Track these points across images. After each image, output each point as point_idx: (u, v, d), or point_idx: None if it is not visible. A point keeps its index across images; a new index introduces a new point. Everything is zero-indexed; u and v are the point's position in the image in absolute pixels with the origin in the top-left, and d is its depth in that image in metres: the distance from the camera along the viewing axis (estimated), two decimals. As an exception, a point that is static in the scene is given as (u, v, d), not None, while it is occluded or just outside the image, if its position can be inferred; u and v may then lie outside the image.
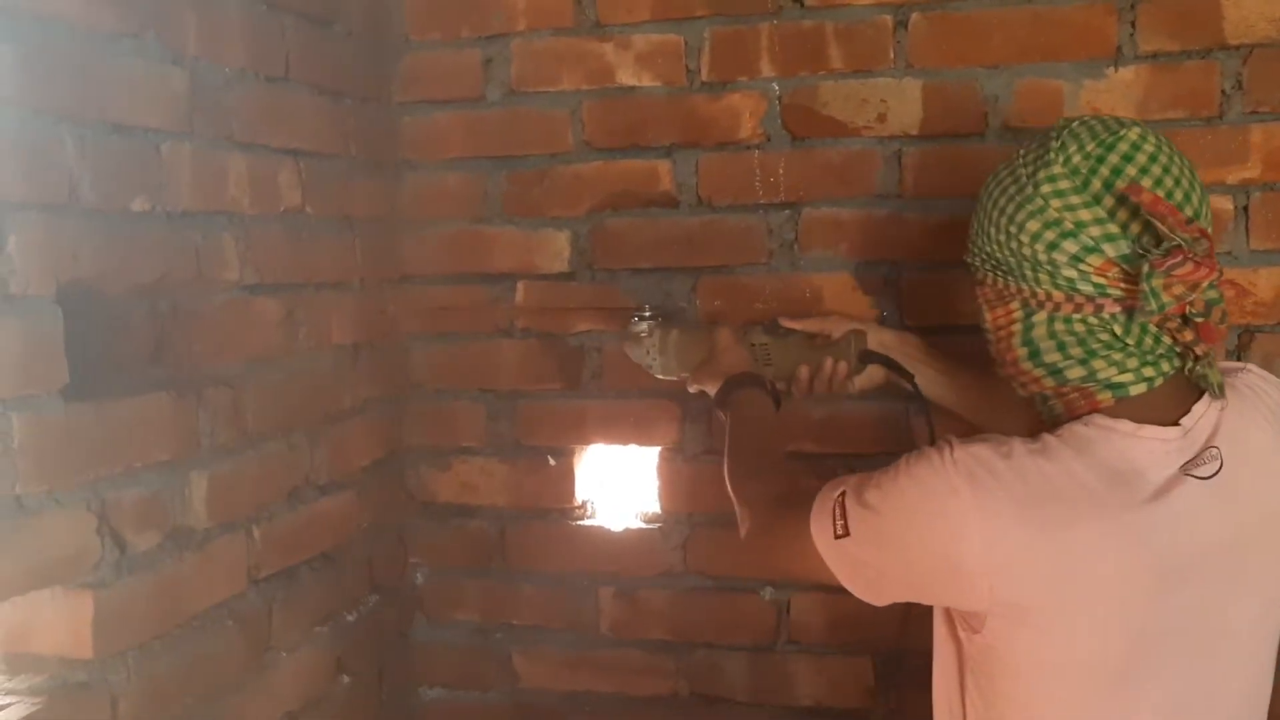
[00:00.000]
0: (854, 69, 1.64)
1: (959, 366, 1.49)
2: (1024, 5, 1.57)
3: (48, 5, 1.08)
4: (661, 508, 1.79)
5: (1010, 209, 1.07)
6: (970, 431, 1.46)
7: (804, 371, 1.49)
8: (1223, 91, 1.53)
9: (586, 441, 1.82)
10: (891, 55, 1.62)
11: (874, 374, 1.51)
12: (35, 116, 1.07)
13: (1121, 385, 1.04)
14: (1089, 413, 1.05)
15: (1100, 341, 1.04)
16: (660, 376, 1.63)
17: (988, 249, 1.10)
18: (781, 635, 1.74)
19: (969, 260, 1.15)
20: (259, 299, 1.44)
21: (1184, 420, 1.04)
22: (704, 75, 1.70)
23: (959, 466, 1.02)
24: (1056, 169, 1.05)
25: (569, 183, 1.76)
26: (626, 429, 1.79)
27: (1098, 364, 1.04)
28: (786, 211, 1.69)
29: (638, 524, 1.80)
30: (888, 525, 1.06)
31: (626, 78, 1.72)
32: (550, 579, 1.83)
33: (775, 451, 1.40)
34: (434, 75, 1.80)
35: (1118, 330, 1.03)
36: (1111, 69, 1.55)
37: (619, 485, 1.85)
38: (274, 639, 1.45)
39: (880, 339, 1.50)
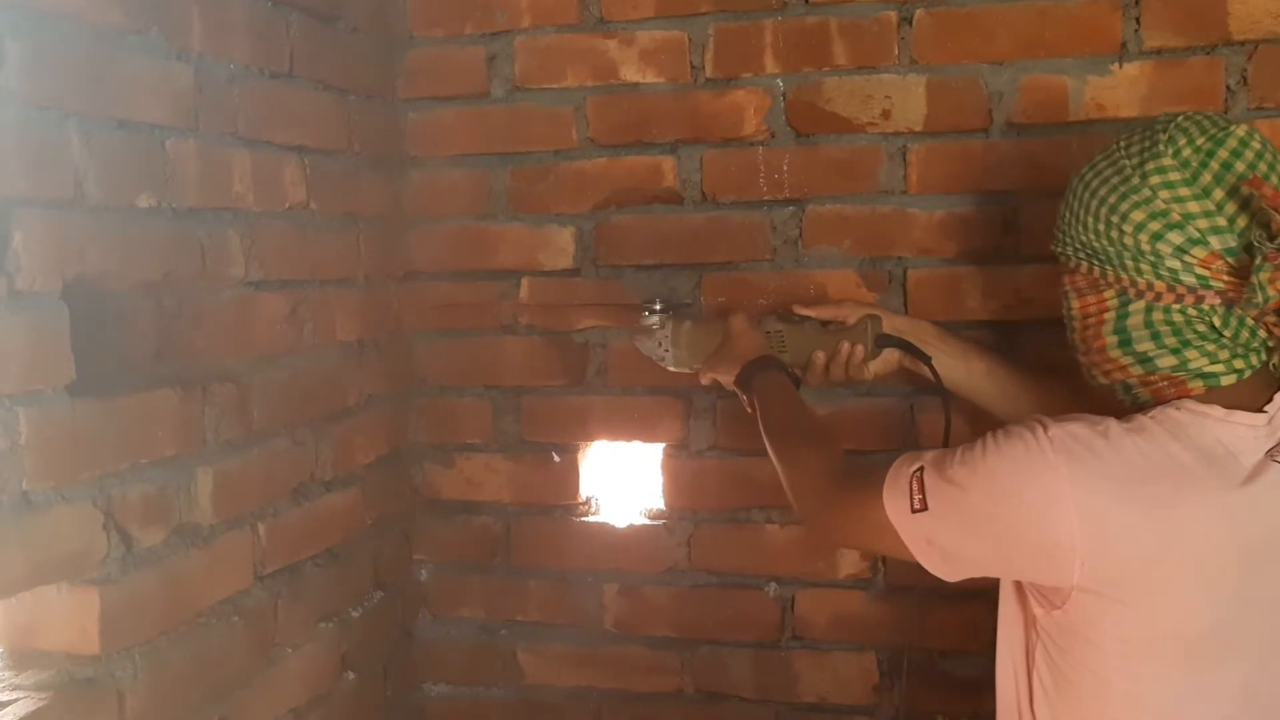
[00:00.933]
0: (858, 65, 1.64)
1: (972, 352, 1.50)
2: (1029, 1, 1.57)
3: (54, 2, 1.08)
4: (666, 504, 1.79)
5: (1113, 199, 1.08)
6: (983, 417, 1.47)
7: (820, 357, 1.50)
8: (1227, 87, 1.52)
9: (591, 438, 1.82)
10: (896, 51, 1.62)
11: (889, 359, 1.52)
12: (41, 112, 1.07)
13: (1213, 375, 1.06)
14: (1177, 399, 1.07)
15: (1196, 332, 1.06)
16: (673, 369, 1.62)
17: (1083, 237, 1.11)
18: (786, 631, 1.74)
19: (1057, 249, 1.16)
20: (264, 295, 1.44)
21: (1267, 408, 1.06)
22: (708, 72, 1.70)
23: (1056, 444, 1.03)
24: (1166, 161, 1.06)
25: (573, 179, 1.76)
26: (631, 425, 1.79)
27: (1190, 354, 1.06)
28: (791, 208, 1.69)
29: (642, 520, 1.80)
30: (976, 501, 1.07)
31: (631, 74, 1.72)
32: (555, 575, 1.83)
33: (816, 422, 1.40)
34: (438, 71, 1.80)
35: (1216, 322, 1.05)
36: (1116, 65, 1.55)
37: (623, 482, 1.85)
38: (279, 635, 1.46)
39: (894, 324, 1.51)
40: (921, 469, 1.11)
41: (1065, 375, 1.43)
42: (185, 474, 1.27)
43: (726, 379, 1.51)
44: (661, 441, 1.78)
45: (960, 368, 1.48)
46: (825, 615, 1.73)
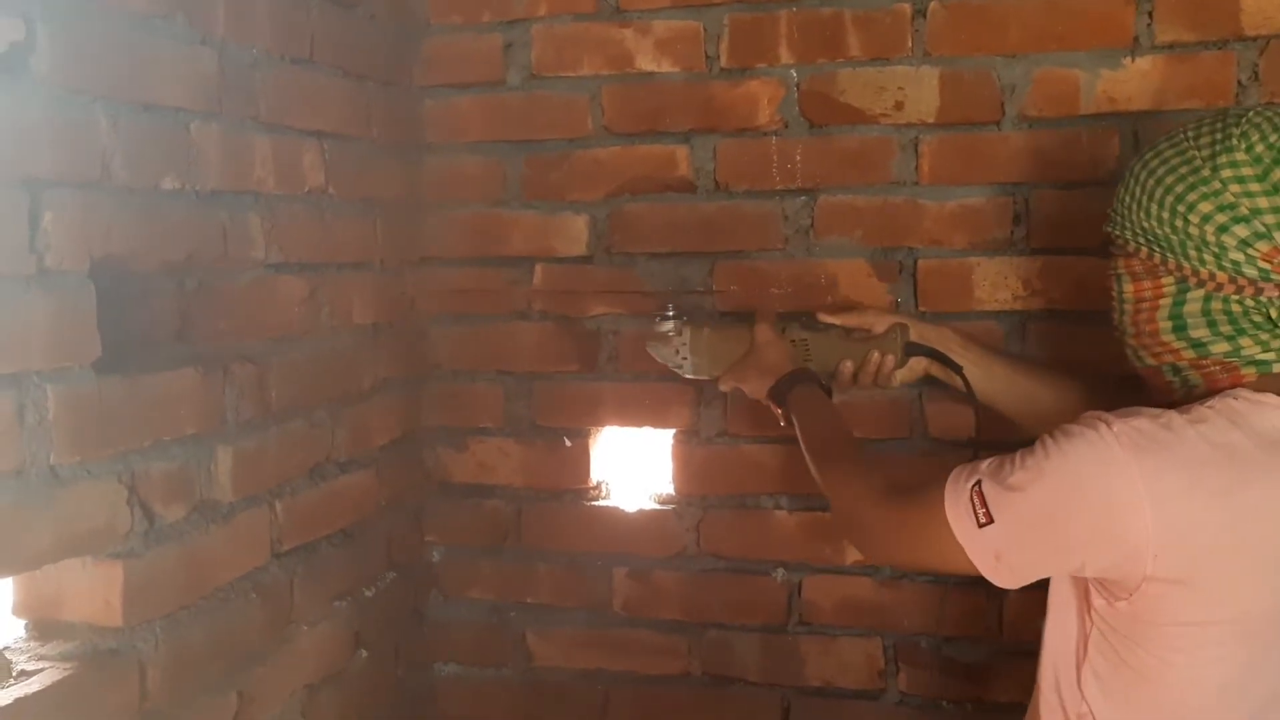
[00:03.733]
0: (872, 57, 1.65)
1: (993, 358, 1.50)
2: (1042, -6, 1.58)
3: (83, -14, 1.11)
4: (675, 489, 1.81)
5: (1180, 189, 1.10)
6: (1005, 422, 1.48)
7: (848, 366, 1.50)
8: (1239, 82, 1.53)
9: (602, 423, 1.84)
10: (909, 43, 1.64)
11: (915, 367, 1.52)
12: (70, 95, 1.09)
13: (1265, 363, 1.08)
14: (1230, 386, 1.09)
15: (1252, 322, 1.08)
16: (689, 377, 1.61)
17: (1145, 224, 1.12)
18: (793, 616, 1.76)
19: (1114, 231, 1.17)
20: (283, 278, 1.46)
21: None
22: (723, 61, 1.71)
23: (1122, 439, 1.04)
24: (1239, 155, 1.07)
25: (588, 167, 1.78)
26: (642, 411, 1.81)
27: (1244, 341, 1.09)
28: (803, 198, 1.70)
29: (652, 505, 1.82)
30: (1042, 504, 1.08)
31: (646, 63, 1.74)
32: (565, 559, 1.85)
33: (856, 441, 1.40)
34: (455, 59, 1.81)
35: (1273, 314, 1.07)
36: (1128, 59, 1.56)
37: (634, 467, 1.87)
38: (295, 612, 1.48)
39: (921, 332, 1.52)
40: (979, 481, 1.11)
41: (1082, 373, 1.45)
42: (206, 452, 1.29)
43: (754, 390, 1.50)
44: (672, 427, 1.80)
45: (981, 375, 1.48)
46: (832, 601, 1.75)
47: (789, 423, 1.45)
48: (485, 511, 1.88)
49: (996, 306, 1.64)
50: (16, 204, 1.02)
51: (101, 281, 1.11)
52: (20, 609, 1.15)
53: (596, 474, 1.85)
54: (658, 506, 1.82)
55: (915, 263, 1.67)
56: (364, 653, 1.66)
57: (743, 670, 1.79)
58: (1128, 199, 1.15)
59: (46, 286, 1.05)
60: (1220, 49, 1.53)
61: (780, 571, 1.77)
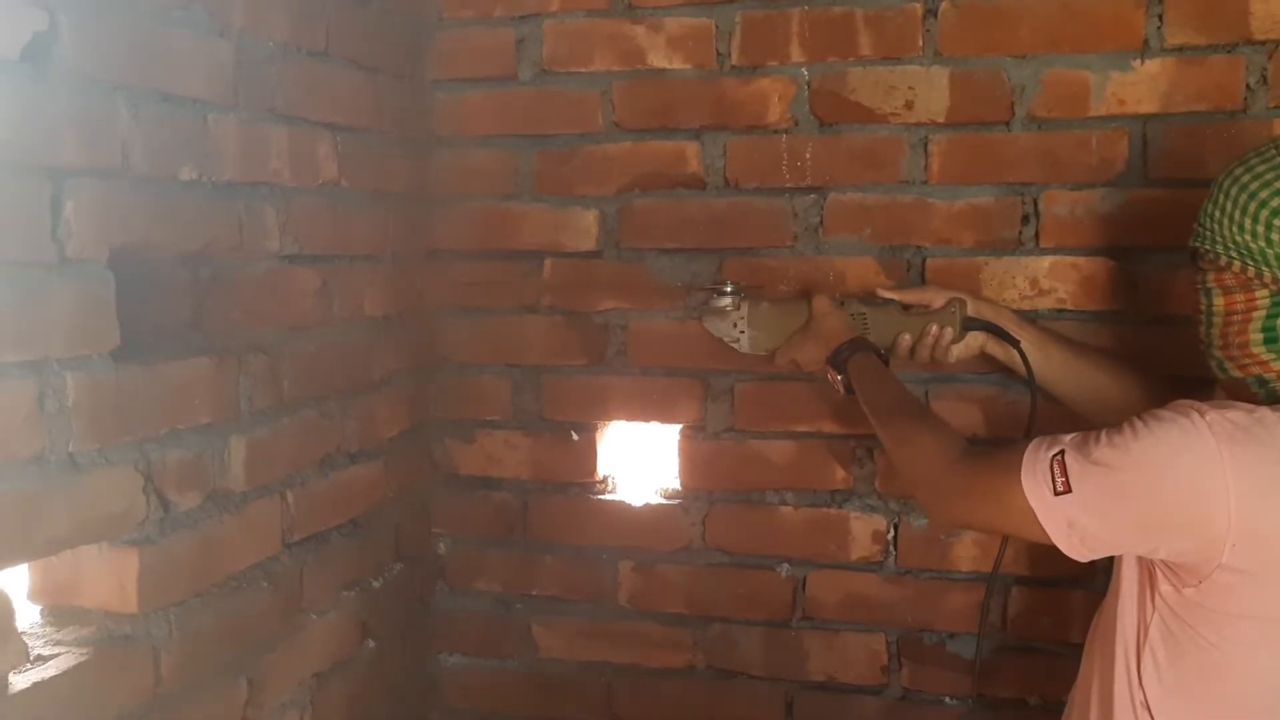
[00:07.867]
0: (883, 56, 1.66)
1: (1049, 339, 1.52)
2: (1053, -4, 1.59)
3: (104, -24, 1.11)
4: (682, 484, 1.82)
5: (1275, 202, 1.10)
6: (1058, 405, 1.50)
7: (906, 339, 1.52)
8: (1247, 86, 1.54)
9: (609, 417, 1.85)
10: (920, 43, 1.64)
11: (971, 343, 1.54)
12: (91, 85, 1.10)
13: None
14: None
15: None
16: (746, 351, 1.63)
17: (1238, 238, 1.13)
18: (797, 611, 1.78)
19: (1203, 246, 1.18)
20: (297, 269, 1.47)
21: None
22: (734, 59, 1.72)
23: (1215, 429, 1.06)
24: None
25: (598, 162, 1.79)
26: (649, 406, 1.82)
27: None
28: (812, 195, 1.71)
29: (658, 500, 1.83)
30: (1127, 482, 1.10)
31: (657, 60, 1.75)
32: (571, 551, 1.86)
33: (924, 404, 1.40)
34: (467, 53, 1.82)
35: None
36: (1138, 61, 1.57)
37: (640, 461, 1.88)
38: (305, 601, 1.49)
39: (978, 309, 1.54)
40: (1062, 452, 1.13)
41: (1141, 366, 1.47)
42: (220, 441, 1.30)
43: (812, 361, 1.53)
44: (679, 422, 1.81)
45: (1038, 355, 1.50)
46: (836, 596, 1.76)
47: (848, 390, 1.47)
48: (492, 503, 1.89)
49: (1004, 305, 1.64)
50: (39, 193, 1.03)
51: (119, 270, 1.12)
52: (37, 594, 1.16)
53: (603, 467, 1.86)
54: (664, 501, 1.83)
55: (924, 261, 1.68)
56: (371, 642, 1.67)
57: (746, 664, 1.80)
58: (1217, 213, 1.16)
59: (67, 275, 1.06)
60: (1230, 52, 1.54)
61: (785, 566, 1.78)
